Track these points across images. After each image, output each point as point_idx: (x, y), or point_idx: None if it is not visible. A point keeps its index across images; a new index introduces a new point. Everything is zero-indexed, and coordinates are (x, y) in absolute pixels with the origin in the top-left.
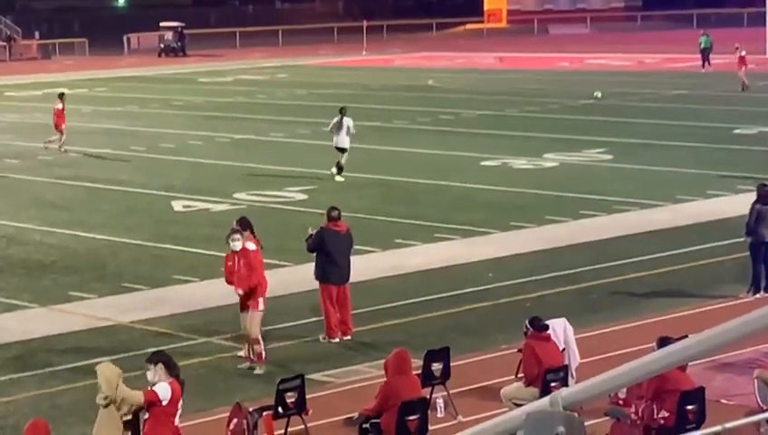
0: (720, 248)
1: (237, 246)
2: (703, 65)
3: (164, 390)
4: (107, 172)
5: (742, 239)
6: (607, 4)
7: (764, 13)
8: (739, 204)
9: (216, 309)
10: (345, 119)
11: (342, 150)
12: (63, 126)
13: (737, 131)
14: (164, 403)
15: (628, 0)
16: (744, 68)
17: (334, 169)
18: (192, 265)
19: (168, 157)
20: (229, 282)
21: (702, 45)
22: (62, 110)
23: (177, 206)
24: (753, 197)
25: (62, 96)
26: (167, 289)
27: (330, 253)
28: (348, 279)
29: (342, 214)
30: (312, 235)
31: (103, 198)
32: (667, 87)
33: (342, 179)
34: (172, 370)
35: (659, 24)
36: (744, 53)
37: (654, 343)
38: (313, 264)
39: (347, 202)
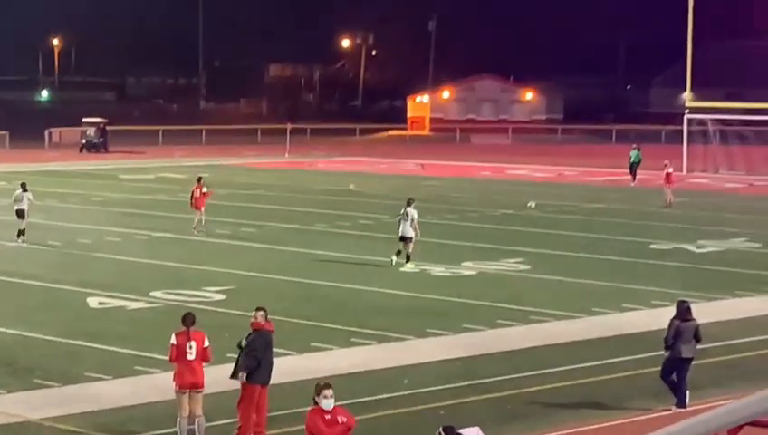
0: (635, 362)
1: (330, 404)
2: (633, 179)
3: None
4: (22, 266)
5: (655, 353)
6: (529, 116)
7: (682, 131)
8: (654, 318)
9: (128, 408)
10: (410, 209)
11: (407, 240)
12: (203, 208)
13: (653, 246)
14: None
15: (549, 113)
16: (669, 184)
17: (394, 258)
18: (105, 363)
19: (85, 252)
20: None
21: (632, 159)
22: (201, 191)
23: (93, 302)
24: (667, 311)
25: (200, 180)
26: (79, 386)
27: (266, 353)
28: (269, 380)
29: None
30: None
31: (18, 292)
32: (585, 200)
33: (413, 266)
34: None
35: (579, 137)
36: (671, 169)
37: None
38: (231, 363)
39: (265, 304)
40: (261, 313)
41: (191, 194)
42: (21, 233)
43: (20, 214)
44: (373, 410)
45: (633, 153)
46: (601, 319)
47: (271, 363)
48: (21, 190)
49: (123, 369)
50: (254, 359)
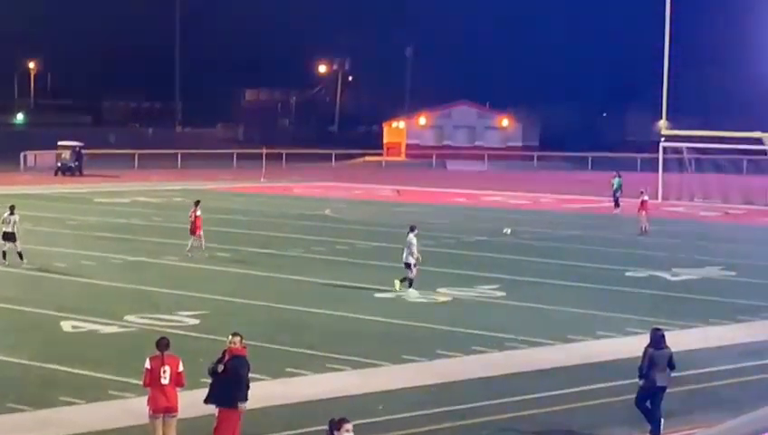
0: (608, 389)
1: None
2: (615, 206)
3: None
4: None
5: (630, 381)
6: (504, 142)
7: (657, 159)
8: (628, 345)
9: (102, 432)
10: (410, 236)
11: (407, 266)
12: (200, 232)
13: (628, 274)
14: None
15: (525, 140)
16: (644, 212)
17: (397, 283)
18: (79, 387)
19: (59, 276)
20: None
21: (614, 187)
22: (195, 214)
23: (67, 326)
24: (642, 339)
25: (197, 203)
26: (52, 410)
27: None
28: None
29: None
30: None
31: None
32: (560, 227)
33: (402, 292)
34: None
35: (555, 164)
36: (647, 197)
37: None
38: (205, 388)
39: (239, 329)
40: (239, 338)
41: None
42: (5, 255)
43: (6, 236)
44: None
45: (615, 181)
46: (576, 346)
47: (246, 389)
48: (9, 213)
49: (97, 393)
50: (247, 386)
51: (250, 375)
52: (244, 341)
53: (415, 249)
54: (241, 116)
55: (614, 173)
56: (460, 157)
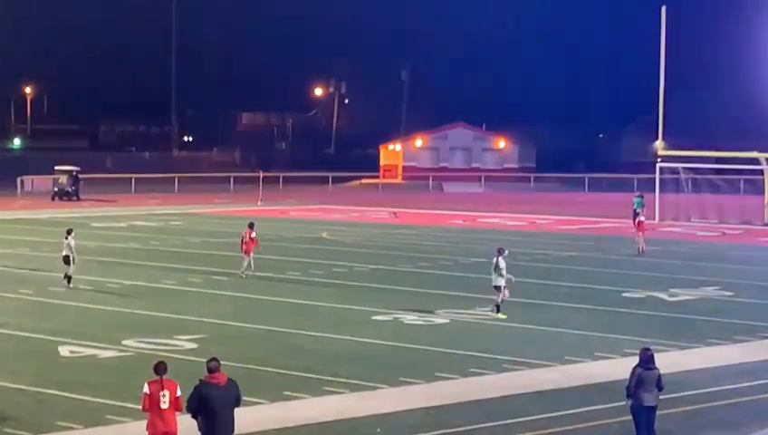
0: (607, 411)
1: None
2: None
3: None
4: None
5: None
6: (501, 164)
7: (654, 179)
8: (626, 367)
9: None
10: (499, 259)
11: (497, 289)
12: (252, 253)
13: (626, 295)
14: None
15: (521, 161)
16: (641, 233)
17: (494, 311)
18: (77, 412)
19: (56, 301)
20: None
21: (635, 207)
22: (250, 236)
23: (64, 351)
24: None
25: (252, 226)
26: None
27: (213, 407)
28: (232, 433)
29: (232, 365)
30: None
31: None
32: (558, 248)
33: (504, 317)
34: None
35: (552, 186)
36: (643, 217)
37: None
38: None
39: (237, 353)
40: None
41: (242, 239)
42: (66, 278)
43: (65, 260)
44: None
45: (636, 200)
46: (574, 367)
47: (225, 418)
48: (65, 236)
49: (95, 418)
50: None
51: (247, 399)
52: (216, 364)
53: (504, 272)
54: (237, 139)
55: (636, 193)
56: (457, 179)
